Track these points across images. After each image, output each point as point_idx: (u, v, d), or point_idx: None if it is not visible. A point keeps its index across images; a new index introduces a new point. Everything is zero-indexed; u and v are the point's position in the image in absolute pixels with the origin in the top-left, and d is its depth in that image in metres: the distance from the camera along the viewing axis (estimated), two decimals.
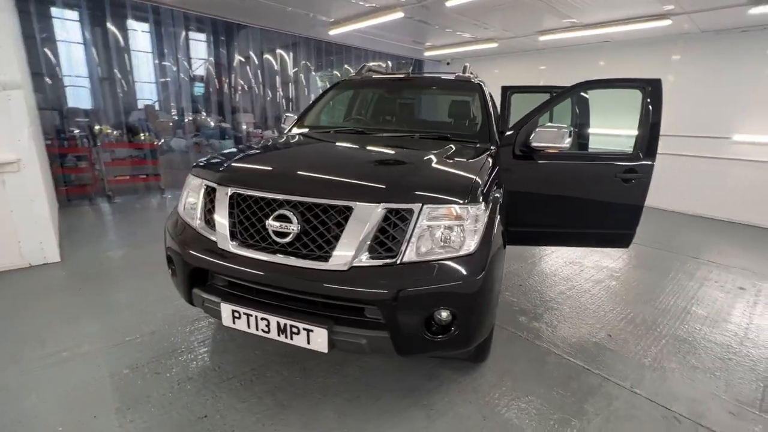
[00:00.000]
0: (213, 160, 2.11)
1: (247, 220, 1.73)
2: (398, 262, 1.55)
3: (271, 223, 1.64)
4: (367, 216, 1.57)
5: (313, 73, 12.06)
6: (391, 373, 2.13)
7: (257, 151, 2.26)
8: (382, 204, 1.57)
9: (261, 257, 1.66)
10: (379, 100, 3.37)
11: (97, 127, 5.91)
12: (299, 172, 1.85)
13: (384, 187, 1.62)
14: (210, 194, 1.88)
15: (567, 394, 2.02)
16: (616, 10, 5.27)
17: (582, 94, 4.32)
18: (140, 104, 8.27)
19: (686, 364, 2.35)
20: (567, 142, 2.43)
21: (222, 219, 1.76)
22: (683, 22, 5.50)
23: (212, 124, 13.38)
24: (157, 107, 8.20)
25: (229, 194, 1.76)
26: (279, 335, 1.63)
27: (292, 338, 1.62)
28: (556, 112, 4.46)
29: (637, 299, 3.20)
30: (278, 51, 11.51)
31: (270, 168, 1.97)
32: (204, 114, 11.91)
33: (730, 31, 5.87)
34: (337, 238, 1.59)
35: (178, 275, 1.93)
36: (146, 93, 8.87)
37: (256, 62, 11.59)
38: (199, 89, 13.75)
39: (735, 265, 4.13)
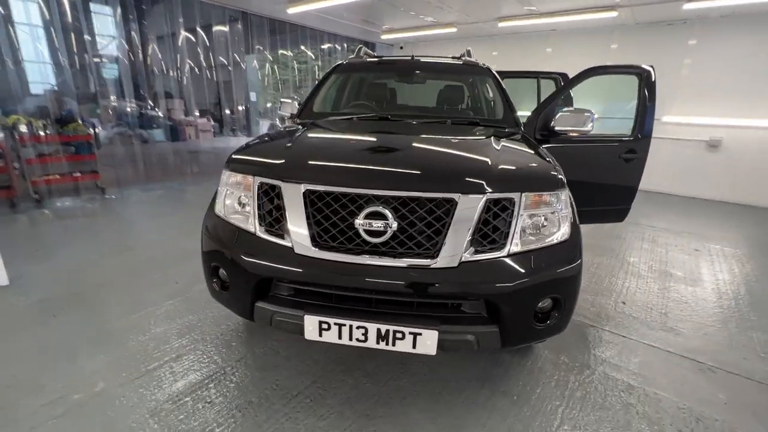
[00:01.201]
0: (257, 154, 1.85)
1: (326, 220, 1.54)
2: (506, 254, 1.50)
3: (363, 222, 1.48)
4: (472, 208, 1.48)
5: (257, 53, 11.16)
6: (456, 364, 2.10)
7: (303, 142, 2.00)
8: (485, 195, 1.50)
9: (353, 260, 1.50)
10: (390, 85, 3.21)
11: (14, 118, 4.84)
12: (387, 165, 1.68)
13: (485, 177, 1.55)
14: (269, 193, 1.64)
15: (616, 360, 2.17)
16: (571, 0, 5.62)
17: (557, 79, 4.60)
18: (36, 89, 6.99)
19: (691, 321, 2.66)
20: (590, 125, 2.54)
21: (297, 221, 1.54)
22: (626, 14, 6.06)
23: (128, 110, 11.87)
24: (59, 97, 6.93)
25: (303, 192, 1.55)
26: (378, 343, 1.50)
27: (394, 344, 1.49)
28: (528, 98, 4.70)
29: (625, 268, 3.53)
30: (215, 28, 10.42)
31: (347, 161, 1.74)
32: (130, 101, 10.50)
33: (659, 23, 6.62)
34: (438, 233, 1.49)
35: (234, 289, 1.67)
36: (38, 76, 7.55)
37: (192, 39, 10.42)
38: (110, 71, 12.04)
39: (683, 231, 4.77)
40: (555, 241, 1.58)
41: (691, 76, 6.63)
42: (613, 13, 5.86)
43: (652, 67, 2.97)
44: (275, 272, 1.55)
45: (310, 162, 1.71)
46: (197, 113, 13.50)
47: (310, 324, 1.52)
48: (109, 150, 7.95)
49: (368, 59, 3.32)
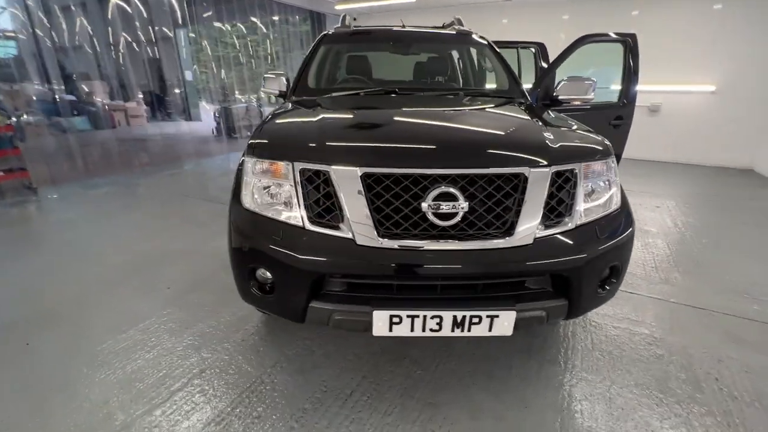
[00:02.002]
0: (288, 137, 1.64)
1: (387, 206, 1.40)
2: (575, 226, 1.48)
3: (431, 204, 1.36)
4: (541, 181, 1.43)
5: (192, 26, 10.06)
6: (496, 339, 2.09)
7: (334, 121, 1.80)
8: (552, 167, 1.45)
9: (424, 246, 1.38)
10: (386, 56, 3.01)
11: None
12: (445, 142, 1.55)
13: (548, 148, 1.49)
14: (314, 180, 1.45)
15: (634, 316, 2.32)
16: None
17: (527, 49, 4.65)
18: None
19: (677, 271, 2.91)
20: (592, 93, 2.59)
21: (357, 209, 1.38)
22: None
23: (36, 95, 10.35)
24: None
25: (361, 176, 1.38)
26: (453, 330, 1.43)
27: (470, 330, 1.43)
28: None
29: None
30: None
31: (401, 140, 1.59)
32: (41, 85, 9.08)
33: None
34: (508, 210, 1.42)
35: (281, 291, 1.49)
36: None
37: (111, 9, 9.16)
38: (6, 49, 10.30)
39: (641, 191, 5.21)
40: (612, 209, 1.59)
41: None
42: None
43: (634, 34, 3.08)
44: (336, 268, 1.39)
45: (362, 143, 1.53)
46: (126, 96, 12.02)
47: (380, 319, 1.40)
48: (27, 143, 6.81)
49: (356, 28, 3.07)
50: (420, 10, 8.21)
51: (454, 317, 1.40)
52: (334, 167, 1.41)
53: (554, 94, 2.61)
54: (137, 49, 10.89)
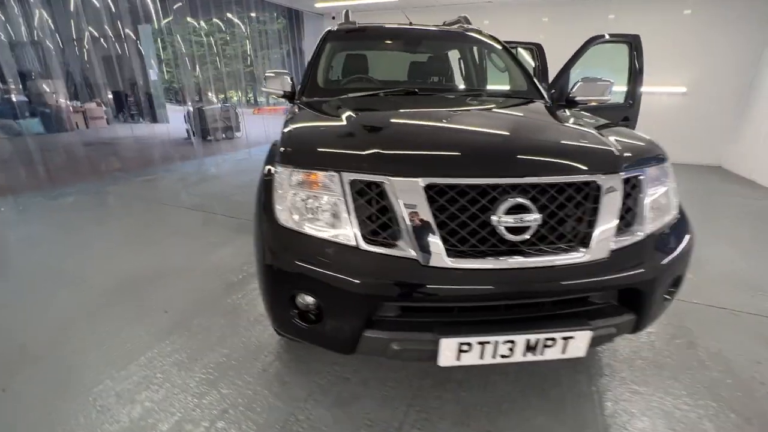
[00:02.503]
0: (328, 142, 1.46)
1: (452, 220, 1.25)
2: (645, 236, 1.38)
3: (503, 218, 1.23)
4: (615, 189, 1.32)
5: (157, 22, 9.47)
6: None
7: (374, 125, 1.63)
8: (621, 173, 1.35)
9: (497, 266, 1.24)
10: (398, 54, 2.85)
11: None
12: (510, 148, 1.42)
13: (616, 154, 1.39)
14: (365, 192, 1.27)
15: (666, 321, 2.29)
16: None
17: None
18: None
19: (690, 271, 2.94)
20: (609, 94, 2.55)
21: (421, 225, 1.22)
22: None
23: None
24: None
25: (424, 188, 1.22)
26: (525, 355, 1.30)
27: (542, 353, 1.30)
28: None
29: None
30: None
31: (459, 146, 1.43)
32: None
33: None
34: (581, 221, 1.31)
35: (331, 320, 1.30)
36: None
37: (64, 2, 8.49)
38: None
39: None
40: (674, 215, 1.52)
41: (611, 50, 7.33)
42: None
43: (638, 35, 3.10)
44: (399, 293, 1.22)
45: (423, 151, 1.37)
46: (85, 97, 11.17)
47: (448, 348, 1.24)
48: None
49: (366, 25, 2.89)
50: (402, 10, 8.09)
51: (527, 341, 1.27)
52: (392, 178, 1.24)
53: (571, 95, 2.55)
54: (98, 45, 10.13)
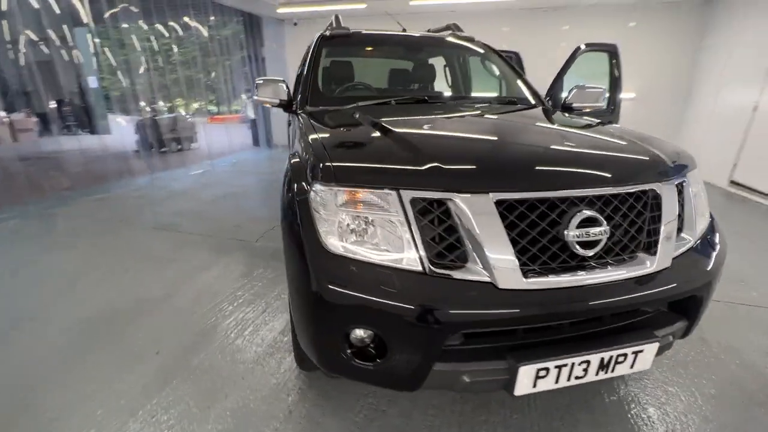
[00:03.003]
0: (376, 157, 1.33)
1: (522, 237, 1.16)
2: (696, 241, 1.39)
3: (576, 233, 1.16)
4: (671, 197, 1.32)
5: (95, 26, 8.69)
6: None
7: (414, 136, 1.51)
8: (674, 180, 1.35)
9: (572, 283, 1.17)
10: (393, 63, 2.74)
11: None
12: (577, 159, 1.37)
13: (664, 161, 1.38)
14: (426, 211, 1.15)
15: None
16: None
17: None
18: None
19: None
20: (602, 100, 2.63)
21: (494, 244, 1.12)
22: None
23: None
24: None
25: (495, 203, 1.13)
26: (598, 374, 1.24)
27: (614, 370, 1.25)
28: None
29: None
30: None
31: (520, 157, 1.38)
32: None
33: (536, 10, 7.50)
34: (642, 231, 1.28)
35: (397, 356, 1.15)
36: None
37: None
38: None
39: None
40: (709, 219, 1.55)
41: (565, 57, 7.78)
42: None
43: (616, 45, 3.26)
44: (477, 321, 1.12)
45: (487, 165, 1.27)
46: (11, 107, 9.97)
47: (526, 375, 1.15)
48: None
49: (363, 32, 2.77)
50: (368, 18, 8.05)
51: (602, 359, 1.21)
52: (460, 195, 1.13)
53: (567, 101, 2.60)
54: (30, 48, 9.09)
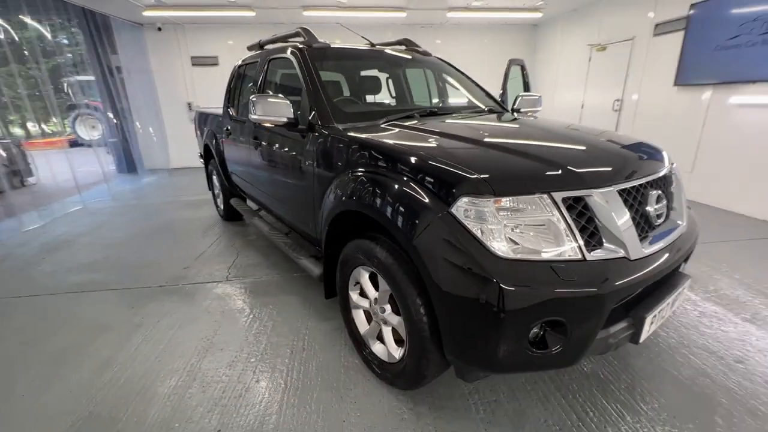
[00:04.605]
0: (516, 167, 1.50)
1: (626, 214, 1.47)
2: (689, 210, 1.93)
3: (656, 208, 1.55)
4: (676, 176, 1.83)
5: None
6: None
7: (518, 146, 1.72)
8: (673, 165, 1.87)
9: (665, 245, 1.54)
10: (380, 76, 2.78)
11: None
12: (638, 154, 1.74)
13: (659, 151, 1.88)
14: (572, 207, 1.36)
15: None
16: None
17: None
18: None
19: None
20: (539, 105, 3.26)
21: (624, 225, 1.40)
22: (410, 15, 7.31)
23: None
24: None
25: (617, 192, 1.43)
26: (670, 310, 1.66)
27: (673, 305, 1.69)
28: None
29: None
30: None
31: (605, 155, 1.69)
32: None
33: (413, 25, 8.37)
34: (671, 201, 1.75)
35: (577, 334, 1.31)
36: None
37: None
38: None
39: None
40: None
41: None
42: (402, 14, 6.98)
43: (523, 59, 4.03)
44: (626, 289, 1.36)
45: (599, 166, 1.53)
46: None
47: (648, 324, 1.48)
48: None
49: (336, 46, 2.73)
50: (261, 25, 7.58)
51: (673, 300, 1.63)
52: (597, 190, 1.37)
53: (515, 107, 3.12)
54: None
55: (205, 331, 2.38)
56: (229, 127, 3.63)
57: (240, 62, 3.65)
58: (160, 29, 7.77)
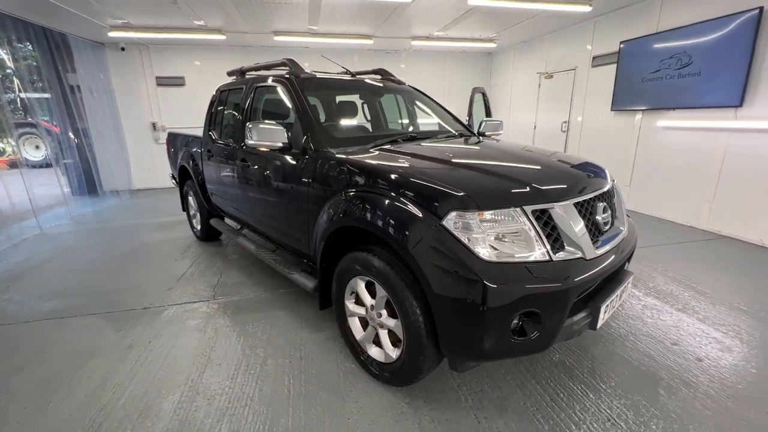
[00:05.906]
0: (493, 187, 1.79)
1: (581, 222, 1.80)
2: (629, 219, 2.32)
3: (603, 217, 1.90)
4: (617, 189, 2.21)
5: None
6: None
7: (491, 167, 2.03)
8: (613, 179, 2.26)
9: (612, 245, 1.88)
10: (363, 104, 3.04)
11: None
12: (587, 172, 2.08)
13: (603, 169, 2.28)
14: (539, 218, 1.67)
15: None
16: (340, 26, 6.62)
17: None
18: None
19: None
20: (501, 129, 3.67)
21: (580, 231, 1.72)
22: (375, 42, 7.74)
23: None
24: None
25: (573, 204, 1.75)
26: (618, 302, 2.00)
27: (622, 297, 2.04)
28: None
29: None
30: None
31: (564, 173, 2.02)
32: None
33: (379, 51, 8.84)
34: (614, 211, 2.13)
35: (549, 323, 1.59)
36: None
37: None
38: None
39: None
40: None
41: None
42: (369, 41, 7.39)
43: (483, 87, 4.49)
44: (584, 284, 1.66)
45: (558, 183, 1.85)
46: None
47: (603, 312, 1.80)
48: None
49: (322, 76, 2.97)
50: (230, 48, 7.66)
51: (623, 291, 1.97)
52: (558, 203, 1.69)
53: (480, 130, 3.51)
54: None
55: (200, 349, 2.44)
56: (210, 149, 3.71)
57: (222, 87, 3.78)
58: (123, 49, 7.64)
